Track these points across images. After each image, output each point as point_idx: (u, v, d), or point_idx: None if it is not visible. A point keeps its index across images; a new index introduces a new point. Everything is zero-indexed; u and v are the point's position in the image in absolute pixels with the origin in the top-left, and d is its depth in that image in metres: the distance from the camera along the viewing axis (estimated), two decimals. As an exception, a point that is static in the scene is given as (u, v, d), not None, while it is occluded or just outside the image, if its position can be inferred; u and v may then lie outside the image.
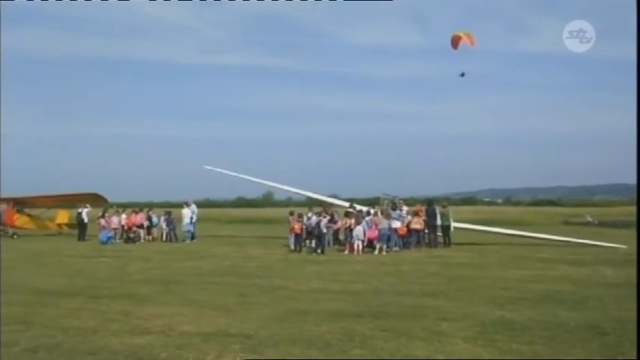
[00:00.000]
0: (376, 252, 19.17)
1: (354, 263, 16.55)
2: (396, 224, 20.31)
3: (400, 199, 23.69)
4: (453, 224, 22.57)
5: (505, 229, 27.11)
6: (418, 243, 21.06)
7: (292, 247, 20.57)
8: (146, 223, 26.11)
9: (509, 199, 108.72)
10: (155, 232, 26.56)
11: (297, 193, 31.18)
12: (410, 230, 20.93)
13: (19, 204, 29.96)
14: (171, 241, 25.24)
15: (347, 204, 25.51)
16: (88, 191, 29.40)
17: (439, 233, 22.16)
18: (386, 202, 24.18)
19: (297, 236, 20.52)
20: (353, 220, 20.24)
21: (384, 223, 19.83)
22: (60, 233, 30.86)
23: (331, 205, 25.96)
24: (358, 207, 23.94)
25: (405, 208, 22.04)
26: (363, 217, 20.89)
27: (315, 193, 29.18)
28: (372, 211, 22.19)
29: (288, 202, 69.07)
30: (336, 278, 13.27)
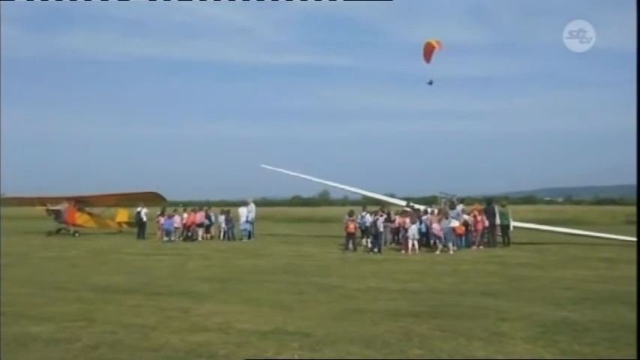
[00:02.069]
0: (437, 252, 18.82)
1: (412, 262, 16.32)
2: (454, 223, 19.89)
3: (458, 198, 23.20)
4: (513, 223, 22.00)
5: (566, 228, 26.20)
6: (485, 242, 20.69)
7: (345, 246, 20.44)
8: (205, 222, 26.53)
9: (570, 197, 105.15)
10: (213, 230, 26.97)
11: (353, 192, 31.05)
12: (475, 229, 20.63)
13: (81, 203, 30.67)
14: (229, 239, 25.56)
15: (404, 203, 25.19)
16: (148, 190, 29.98)
17: (498, 233, 21.59)
18: (443, 201, 23.74)
19: (351, 235, 20.38)
20: (408, 219, 19.93)
21: (442, 223, 19.46)
22: (120, 232, 31.53)
23: (388, 203, 25.69)
24: (416, 206, 23.61)
25: (460, 207, 21.60)
26: (420, 217, 20.59)
27: (371, 192, 28.97)
28: (429, 210, 21.84)
29: (344, 201, 68.96)
30: (393, 277, 13.10)
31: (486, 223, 20.81)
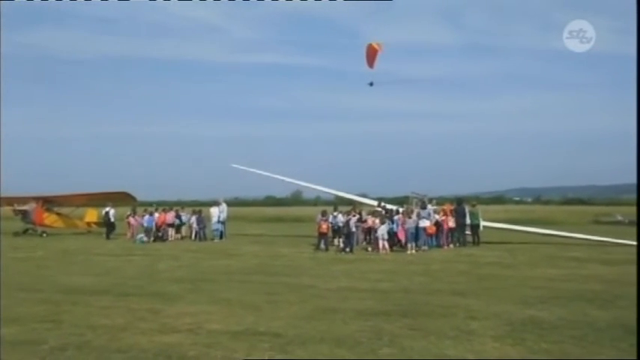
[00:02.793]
0: (408, 251, 19.01)
1: (383, 262, 16.44)
2: (425, 223, 20.13)
3: (429, 198, 23.46)
4: (483, 223, 22.35)
5: (535, 228, 26.69)
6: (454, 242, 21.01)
7: (317, 245, 20.49)
8: (176, 222, 26.30)
9: (539, 198, 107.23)
10: (184, 230, 26.75)
11: (325, 192, 31.13)
12: (442, 229, 20.88)
13: (49, 203, 30.18)
14: (200, 239, 25.39)
15: (376, 203, 25.36)
16: (118, 190, 29.62)
17: (468, 232, 21.91)
18: (415, 200, 23.98)
19: (324, 235, 20.44)
20: (378, 220, 20.09)
21: (411, 222, 19.66)
22: (89, 232, 31.10)
23: (360, 203, 25.83)
24: (388, 206, 23.79)
25: (431, 207, 21.84)
26: (391, 217, 20.77)
27: (343, 192, 29.10)
28: (400, 210, 22.04)
29: (316, 201, 69.07)
30: (364, 277, 13.19)
31: (452, 223, 21.07)
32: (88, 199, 31.07)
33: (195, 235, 25.76)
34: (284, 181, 31.17)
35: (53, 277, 13.35)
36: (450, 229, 21.19)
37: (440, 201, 25.83)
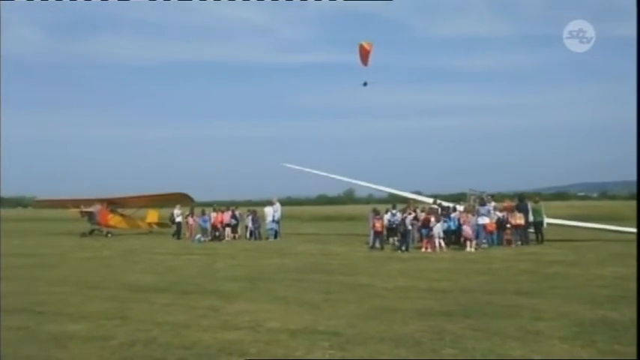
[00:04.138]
0: (467, 249, 18.67)
1: (440, 261, 16.18)
2: (485, 220, 19.71)
3: (488, 195, 22.95)
4: (546, 220, 21.62)
5: (601, 224, 25.61)
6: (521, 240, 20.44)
7: (372, 244, 20.38)
8: (232, 222, 26.73)
9: (605, 192, 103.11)
10: (240, 230, 27.15)
11: (378, 190, 30.93)
12: (505, 227, 20.39)
13: (113, 204, 31.28)
14: (255, 239, 25.70)
15: (431, 200, 25.02)
16: (176, 191, 30.33)
17: (531, 230, 21.27)
18: (473, 197, 23.51)
19: (378, 234, 20.32)
20: (433, 217, 19.79)
21: (471, 220, 19.29)
22: (150, 232, 32.10)
23: (415, 201, 25.54)
24: (444, 203, 23.43)
25: (492, 204, 21.34)
26: (448, 214, 20.45)
27: (397, 189, 28.84)
28: (458, 207, 21.65)
29: (369, 199, 68.86)
30: (422, 276, 13.01)
31: (519, 220, 20.48)
32: (149, 200, 31.93)
33: (251, 235, 26.10)
34: (336, 180, 31.13)
35: (119, 276, 13.82)
36: (516, 227, 20.57)
37: (499, 198, 25.23)
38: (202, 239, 25.42)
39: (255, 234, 26.06)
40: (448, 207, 22.21)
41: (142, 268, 15.58)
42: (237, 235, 26.61)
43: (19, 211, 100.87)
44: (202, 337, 7.33)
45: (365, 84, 24.02)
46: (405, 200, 25.79)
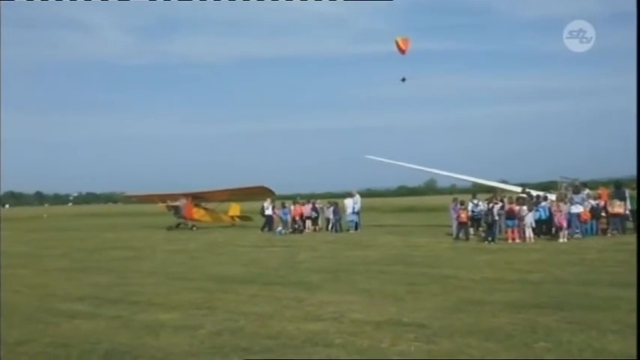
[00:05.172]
0: (560, 240, 17.82)
1: (531, 252, 15.53)
2: (578, 209, 18.69)
3: (580, 182, 21.74)
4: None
5: None
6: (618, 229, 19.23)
7: (456, 235, 19.87)
8: (313, 214, 26.91)
9: None
10: (320, 222, 27.29)
11: (462, 179, 30.16)
12: (599, 215, 19.33)
13: (197, 198, 32.24)
14: (336, 231, 25.76)
15: (519, 189, 24.04)
16: (257, 185, 30.86)
17: (628, 218, 19.92)
18: (564, 185, 22.38)
19: (463, 225, 19.78)
20: (525, 207, 18.97)
21: (564, 209, 18.35)
22: (233, 225, 32.90)
23: (501, 190, 24.65)
24: (532, 192, 22.45)
25: (586, 191, 20.19)
26: (537, 203, 19.58)
27: (482, 178, 27.96)
28: (549, 196, 20.67)
29: (452, 190, 67.42)
30: (511, 267, 12.54)
31: (619, 208, 19.21)
32: (231, 194, 32.70)
33: (331, 227, 26.17)
34: (417, 170, 30.59)
35: (205, 267, 14.25)
36: (614, 216, 19.36)
37: (592, 185, 23.87)
38: (283, 231, 25.77)
39: (335, 226, 26.11)
40: (538, 195, 21.25)
41: (226, 259, 15.99)
42: (317, 228, 26.78)
43: (109, 207, 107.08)
44: (287, 327, 7.39)
45: (403, 79, 24.62)
46: (490, 189, 24.96)
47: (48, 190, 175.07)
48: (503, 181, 30.09)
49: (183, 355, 6.37)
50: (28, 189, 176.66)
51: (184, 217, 31.00)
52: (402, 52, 24.48)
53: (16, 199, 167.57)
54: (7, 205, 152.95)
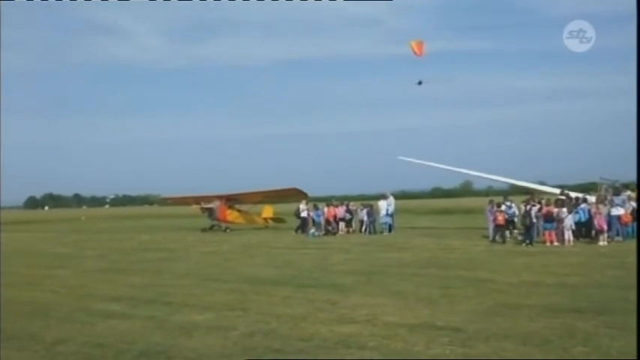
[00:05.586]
0: (600, 242, 17.35)
1: (570, 255, 15.16)
2: (619, 211, 18.16)
3: (622, 184, 21.12)
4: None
5: None
6: None
7: (492, 238, 19.54)
8: (347, 216, 26.82)
9: None
10: (353, 224, 27.18)
11: (500, 181, 29.68)
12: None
13: (230, 200, 32.33)
14: (370, 233, 25.62)
15: (556, 191, 23.51)
16: (290, 187, 30.83)
17: None
18: (604, 187, 21.77)
19: (500, 227, 19.43)
20: (565, 209, 18.51)
21: (603, 211, 17.85)
22: (266, 227, 32.99)
23: (539, 192, 24.15)
24: (571, 194, 21.92)
25: (627, 193, 19.60)
26: (576, 205, 19.11)
27: (519, 180, 27.43)
28: (588, 198, 20.15)
29: (488, 192, 66.31)
30: (549, 271, 12.26)
31: None
32: (264, 196, 32.77)
33: (365, 229, 26.04)
34: (452, 172, 30.22)
35: (238, 269, 14.33)
36: None
37: (633, 186, 23.15)
38: (316, 233, 25.75)
39: (369, 228, 25.97)
40: (577, 197, 20.74)
41: (260, 261, 16.05)
42: (351, 230, 26.68)
43: (145, 209, 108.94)
44: (320, 329, 7.36)
45: (420, 83, 25.00)
46: (527, 191, 24.46)
47: (86, 192, 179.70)
48: (542, 183, 29.50)
49: (215, 356, 6.40)
50: (67, 191, 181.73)
51: (218, 219, 31.17)
52: (418, 55, 24.92)
53: (55, 201, 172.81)
54: (46, 207, 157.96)
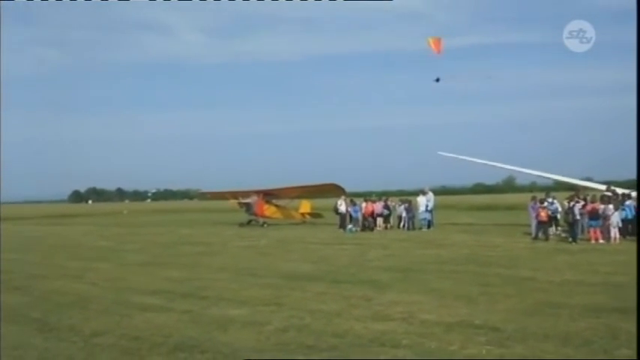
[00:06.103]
0: None
1: (616, 253, 14.67)
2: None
3: None
4: None
5: None
6: None
7: (535, 235, 19.06)
8: (384, 212, 26.62)
9: None
10: (392, 220, 26.96)
11: (543, 177, 28.97)
12: None
13: (268, 195, 32.53)
14: (408, 229, 25.36)
15: (602, 187, 22.75)
16: (328, 182, 30.81)
17: None
18: None
19: (543, 224, 18.93)
20: (611, 205, 17.89)
21: None
22: (303, 222, 33.05)
23: (584, 188, 23.42)
24: (619, 190, 21.16)
25: None
26: (622, 202, 18.46)
27: (564, 176, 26.69)
28: (633, 194, 19.42)
29: (532, 187, 64.90)
30: (593, 269, 11.89)
31: None
32: (301, 191, 32.87)
33: (403, 225, 25.79)
34: (495, 168, 29.64)
35: (274, 264, 14.36)
36: None
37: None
38: (354, 229, 25.63)
39: (408, 224, 25.71)
40: (623, 194, 20.01)
41: (296, 257, 16.05)
42: (389, 225, 26.48)
43: (185, 203, 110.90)
44: (354, 326, 7.28)
45: (437, 80, 25.04)
46: (573, 187, 23.77)
47: (128, 186, 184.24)
48: (588, 179, 28.63)
49: (249, 350, 6.39)
50: (110, 185, 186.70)
51: (255, 214, 31.36)
52: (436, 52, 24.88)
53: (98, 195, 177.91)
54: (90, 201, 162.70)
